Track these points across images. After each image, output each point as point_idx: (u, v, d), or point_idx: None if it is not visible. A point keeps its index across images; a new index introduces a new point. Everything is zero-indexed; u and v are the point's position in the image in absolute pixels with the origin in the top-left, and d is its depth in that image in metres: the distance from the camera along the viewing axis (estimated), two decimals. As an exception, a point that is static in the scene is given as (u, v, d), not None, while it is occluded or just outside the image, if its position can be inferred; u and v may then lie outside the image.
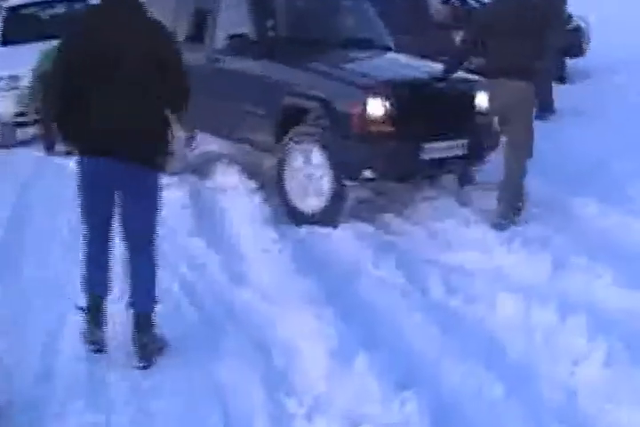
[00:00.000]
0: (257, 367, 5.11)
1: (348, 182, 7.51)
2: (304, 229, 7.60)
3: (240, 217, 7.83)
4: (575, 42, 14.01)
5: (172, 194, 8.14)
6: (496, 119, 7.72)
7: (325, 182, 7.58)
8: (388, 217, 7.85)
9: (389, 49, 9.18)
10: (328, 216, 7.60)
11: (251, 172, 9.12)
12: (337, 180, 7.49)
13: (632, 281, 5.96)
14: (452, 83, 7.93)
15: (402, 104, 7.37)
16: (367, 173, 7.41)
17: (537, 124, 7.80)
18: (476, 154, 7.99)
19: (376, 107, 7.28)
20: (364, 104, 7.28)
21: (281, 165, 7.95)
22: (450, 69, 7.82)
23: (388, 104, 7.30)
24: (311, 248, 7.18)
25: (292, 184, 7.89)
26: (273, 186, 8.20)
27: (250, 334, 5.55)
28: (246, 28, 8.53)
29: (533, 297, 5.76)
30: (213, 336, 5.56)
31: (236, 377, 5.01)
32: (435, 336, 5.42)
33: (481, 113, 7.95)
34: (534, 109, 8.05)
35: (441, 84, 7.85)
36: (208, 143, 9.58)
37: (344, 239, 7.28)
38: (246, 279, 6.47)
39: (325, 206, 7.62)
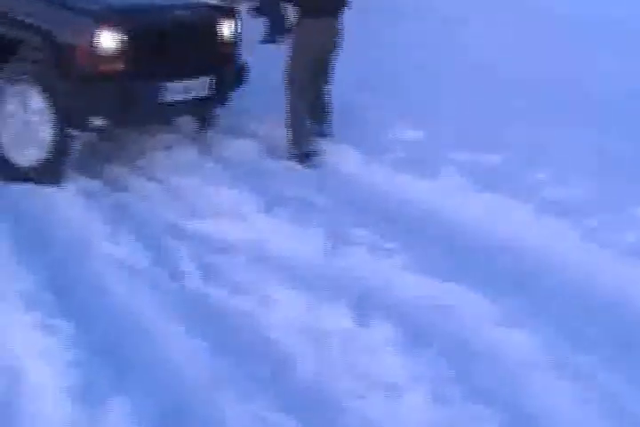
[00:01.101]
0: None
1: (73, 132, 6.22)
2: (18, 188, 6.21)
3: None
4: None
5: None
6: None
7: (45, 131, 6.24)
8: (120, 171, 6.60)
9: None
10: (48, 172, 6.30)
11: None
12: (60, 128, 6.19)
13: (425, 264, 5.10)
14: (194, 12, 6.86)
15: (137, 37, 6.22)
16: (97, 121, 6.15)
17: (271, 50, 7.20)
18: (221, 93, 6.94)
19: (106, 40, 6.08)
20: (92, 36, 6.05)
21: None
22: None
23: (120, 36, 6.12)
24: (26, 215, 5.80)
25: (3, 132, 6.47)
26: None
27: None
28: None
29: (313, 287, 4.75)
30: None
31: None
32: (204, 355, 4.15)
33: (224, 44, 6.96)
34: None
35: (182, 14, 6.74)
36: None
37: (68, 201, 6.01)
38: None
39: (45, 160, 6.30)
